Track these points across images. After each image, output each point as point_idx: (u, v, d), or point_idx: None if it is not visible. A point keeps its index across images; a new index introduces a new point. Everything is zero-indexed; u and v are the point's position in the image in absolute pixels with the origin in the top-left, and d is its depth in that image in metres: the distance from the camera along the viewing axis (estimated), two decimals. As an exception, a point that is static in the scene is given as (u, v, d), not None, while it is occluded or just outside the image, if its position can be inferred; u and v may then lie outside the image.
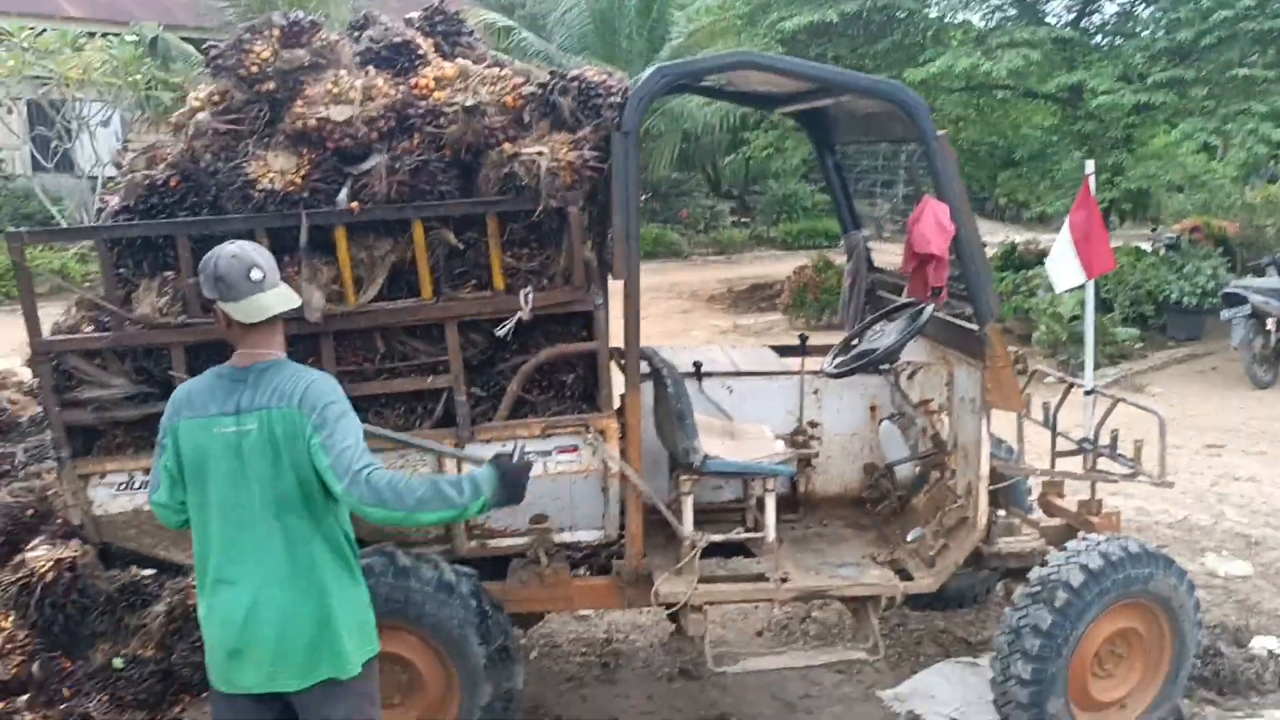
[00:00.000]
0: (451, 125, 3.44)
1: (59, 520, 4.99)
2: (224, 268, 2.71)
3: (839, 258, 14.88)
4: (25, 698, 4.02)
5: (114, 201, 3.60)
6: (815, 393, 4.62)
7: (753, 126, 16.98)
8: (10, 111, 15.46)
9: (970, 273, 3.79)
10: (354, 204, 3.42)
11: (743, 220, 23.92)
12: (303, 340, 3.54)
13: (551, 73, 3.71)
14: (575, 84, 3.58)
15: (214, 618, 2.81)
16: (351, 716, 2.90)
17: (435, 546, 3.84)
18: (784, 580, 3.92)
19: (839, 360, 4.27)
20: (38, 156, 17.05)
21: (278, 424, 2.71)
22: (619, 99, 3.58)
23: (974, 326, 3.90)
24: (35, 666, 4.18)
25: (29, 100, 16.12)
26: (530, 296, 3.56)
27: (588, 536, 3.95)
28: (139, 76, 14.49)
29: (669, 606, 3.86)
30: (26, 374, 8.87)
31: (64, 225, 15.39)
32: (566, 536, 3.92)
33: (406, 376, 3.66)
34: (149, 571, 4.68)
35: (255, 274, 2.72)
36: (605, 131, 3.55)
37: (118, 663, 4.30)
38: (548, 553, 3.89)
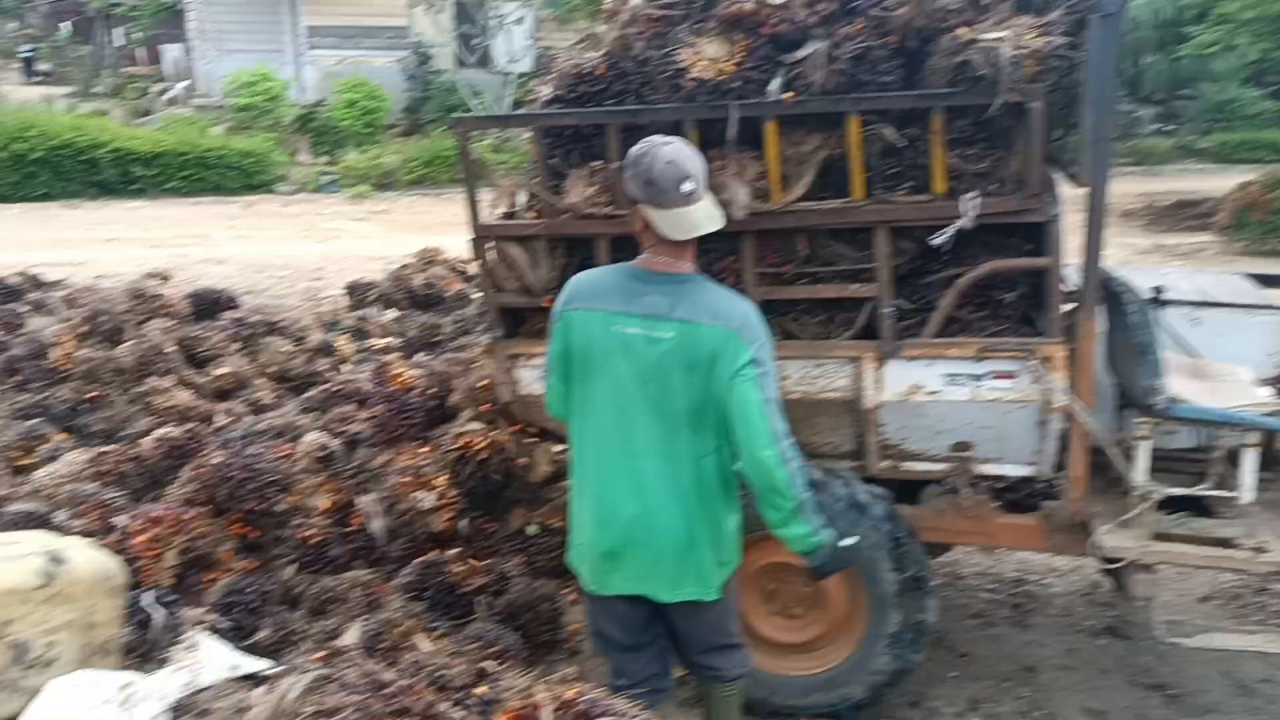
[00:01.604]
0: (901, 7, 3.12)
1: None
2: (658, 173, 2.58)
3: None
4: (454, 550, 4.39)
5: (544, 91, 3.64)
6: (1307, 333, 3.87)
7: (1191, 20, 14.84)
8: (441, 11, 16.84)
9: None
10: (788, 95, 3.22)
11: (1167, 129, 21.23)
12: (723, 238, 3.45)
13: (1020, -54, 3.27)
14: (1049, -43, 3.13)
15: (591, 519, 2.79)
16: (709, 634, 2.92)
17: (845, 462, 3.69)
18: (1260, 550, 3.36)
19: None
20: (461, 53, 18.56)
21: (705, 341, 2.61)
22: (1097, -25, 3.09)
23: None
24: (463, 523, 4.58)
25: (456, 1, 17.48)
26: (975, 203, 3.21)
27: (1015, 471, 3.59)
28: (553, -26, 15.18)
29: (1109, 561, 3.45)
30: (452, 252, 9.79)
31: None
32: (990, 468, 3.59)
33: (829, 282, 3.47)
34: (561, 446, 4.97)
35: (687, 185, 2.59)
36: (1079, 15, 3.09)
37: (532, 529, 4.62)
38: (969, 483, 3.61)
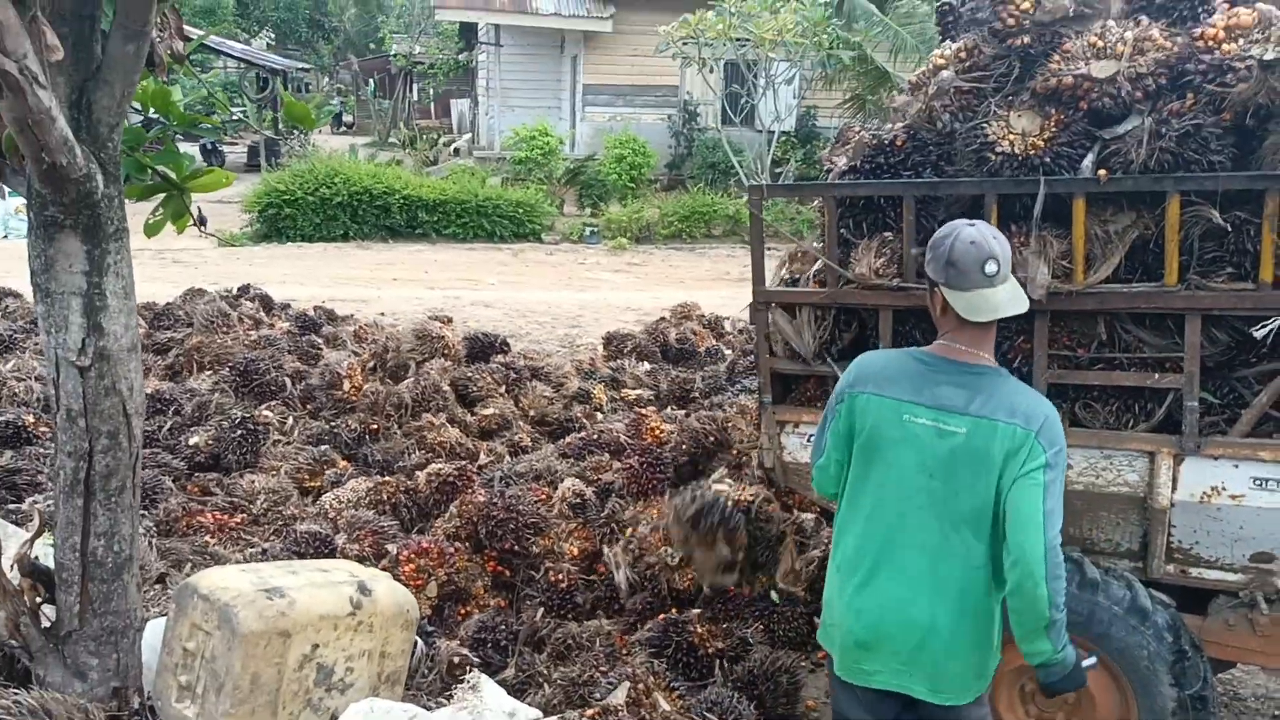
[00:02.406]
0: (1240, 83, 2.89)
1: (734, 451, 5.41)
2: (959, 253, 2.53)
3: None
4: (696, 611, 4.36)
5: (841, 162, 3.63)
6: None
7: None
8: (712, 70, 17.20)
9: None
10: (1102, 172, 3.05)
11: None
12: (1015, 317, 3.29)
13: (1388, 17, 2.95)
14: None
15: (851, 604, 2.71)
16: None
17: (1124, 562, 3.41)
18: None
19: None
20: (728, 111, 18.90)
21: (1001, 439, 2.51)
22: None
23: None
24: (705, 586, 4.55)
25: (727, 61, 17.84)
26: (1308, 294, 2.92)
27: None
28: (824, 37, 15.20)
29: None
30: (705, 308, 9.91)
31: (743, 176, 16.91)
32: None
33: (1127, 370, 3.24)
34: (809, 515, 4.88)
35: (990, 267, 2.52)
36: None
37: (774, 597, 4.54)
38: (1268, 599, 3.25)
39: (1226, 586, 3.32)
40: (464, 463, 5.50)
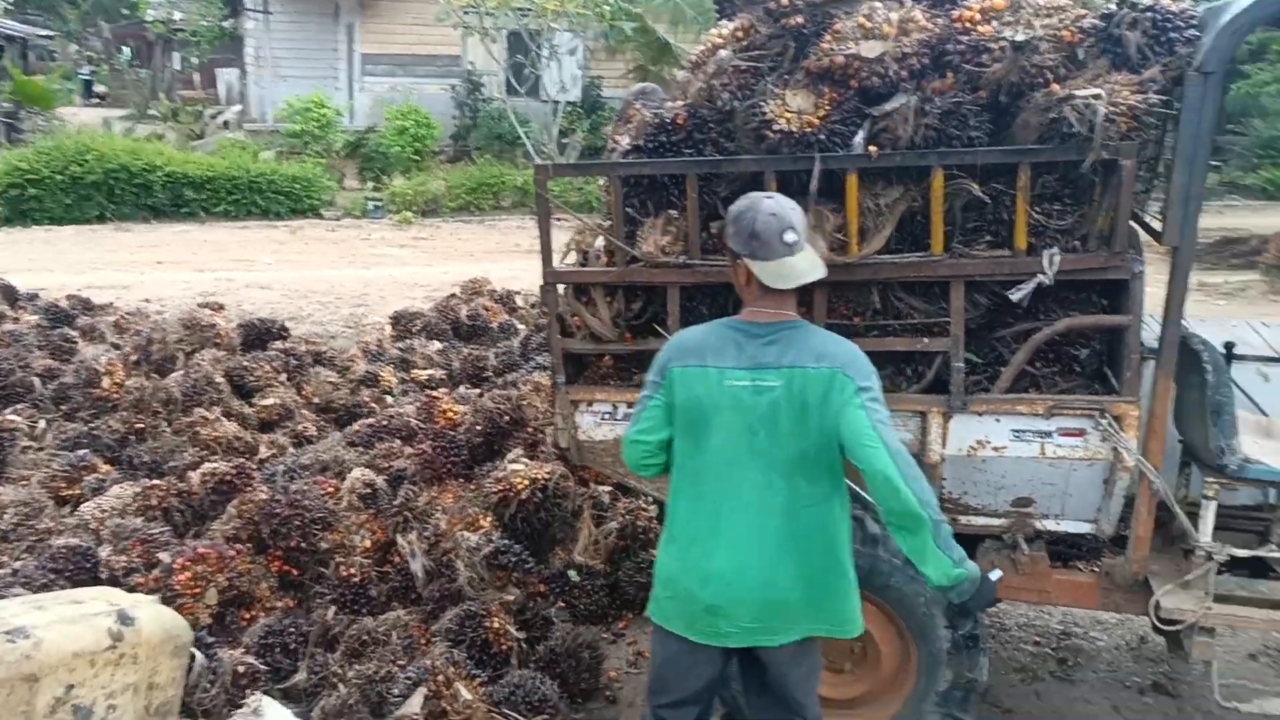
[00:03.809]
0: (995, 63, 3.04)
1: (529, 429, 5.35)
2: (761, 225, 2.63)
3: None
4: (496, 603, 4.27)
5: (624, 141, 3.60)
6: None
7: (1250, 59, 14.69)
8: (494, 41, 16.94)
9: None
10: (872, 148, 3.15)
11: (1213, 164, 20.84)
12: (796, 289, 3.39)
13: (1120, 3, 3.17)
14: (1149, 15, 3.04)
15: (694, 572, 2.74)
16: (807, 677, 2.86)
17: (904, 518, 3.60)
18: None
19: None
20: (512, 82, 18.66)
21: (813, 383, 2.62)
22: (1197, 33, 3.00)
23: None
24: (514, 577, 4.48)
25: (510, 31, 17.58)
26: (1055, 259, 3.13)
27: (1075, 528, 3.50)
28: (606, 8, 15.25)
29: (1168, 623, 3.35)
30: (495, 280, 9.73)
31: (530, 147, 16.76)
32: (1050, 524, 3.50)
33: (900, 335, 3.39)
34: (605, 489, 4.91)
35: (790, 236, 2.63)
36: (1177, 71, 2.99)
37: (573, 575, 4.53)
38: (1028, 539, 3.51)
39: (992, 531, 3.56)
40: (242, 459, 5.18)
